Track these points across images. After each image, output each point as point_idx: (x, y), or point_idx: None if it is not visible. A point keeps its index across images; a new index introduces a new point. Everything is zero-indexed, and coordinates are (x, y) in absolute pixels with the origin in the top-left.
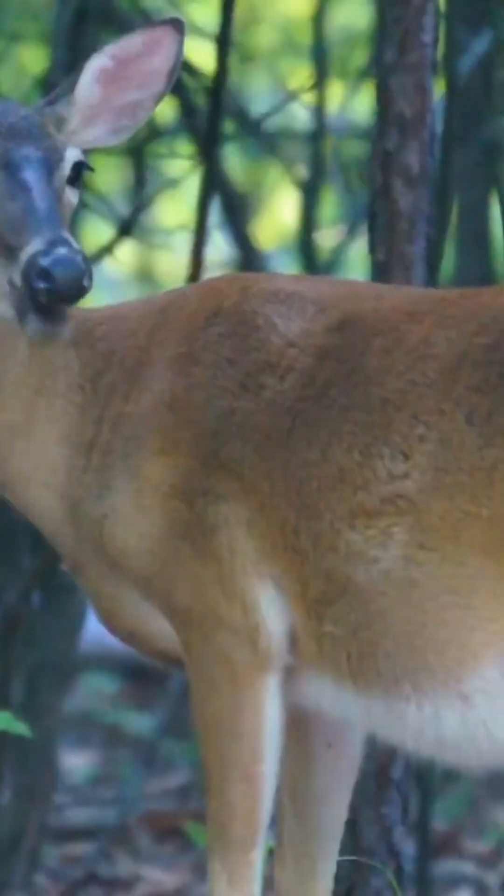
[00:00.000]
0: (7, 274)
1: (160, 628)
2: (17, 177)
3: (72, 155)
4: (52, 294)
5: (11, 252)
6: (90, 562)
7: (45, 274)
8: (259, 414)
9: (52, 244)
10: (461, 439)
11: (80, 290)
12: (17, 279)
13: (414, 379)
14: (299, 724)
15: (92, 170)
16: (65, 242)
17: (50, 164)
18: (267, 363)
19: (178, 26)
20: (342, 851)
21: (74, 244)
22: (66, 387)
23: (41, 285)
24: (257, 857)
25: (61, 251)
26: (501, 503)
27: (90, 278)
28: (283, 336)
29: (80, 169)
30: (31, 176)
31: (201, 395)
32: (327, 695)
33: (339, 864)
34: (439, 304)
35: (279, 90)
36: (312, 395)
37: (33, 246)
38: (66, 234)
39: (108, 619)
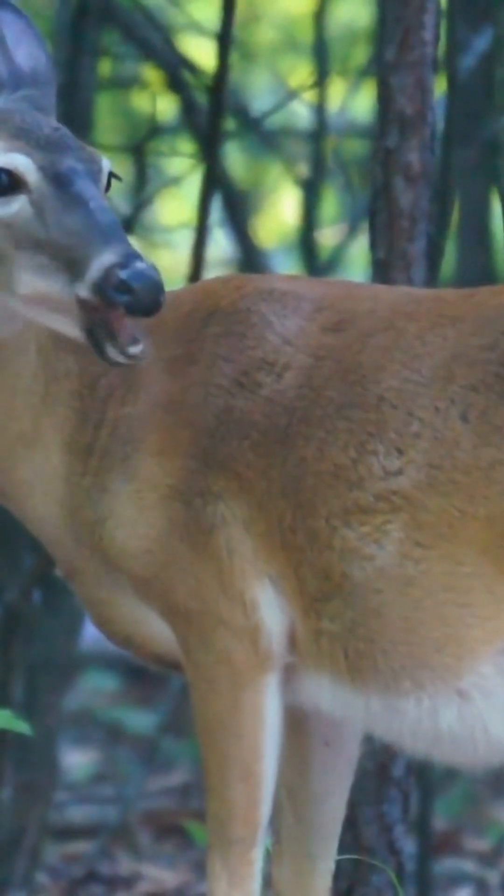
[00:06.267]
0: (69, 289)
1: (157, 632)
2: (70, 189)
3: (106, 165)
4: (132, 307)
5: (75, 265)
6: (88, 567)
7: (125, 286)
8: (256, 412)
9: (129, 257)
10: (456, 437)
11: (157, 304)
12: (88, 293)
13: (409, 377)
14: (297, 723)
15: (120, 179)
16: (140, 256)
17: (94, 174)
18: (264, 361)
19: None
20: (342, 850)
21: (147, 258)
22: (67, 394)
23: (122, 298)
24: (257, 855)
25: (140, 264)
26: (499, 503)
27: (164, 293)
28: (280, 334)
29: (109, 178)
30: (84, 187)
31: (198, 395)
32: (326, 692)
33: (340, 863)
34: (435, 304)
35: (280, 88)
36: (309, 393)
37: (106, 258)
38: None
39: (105, 625)
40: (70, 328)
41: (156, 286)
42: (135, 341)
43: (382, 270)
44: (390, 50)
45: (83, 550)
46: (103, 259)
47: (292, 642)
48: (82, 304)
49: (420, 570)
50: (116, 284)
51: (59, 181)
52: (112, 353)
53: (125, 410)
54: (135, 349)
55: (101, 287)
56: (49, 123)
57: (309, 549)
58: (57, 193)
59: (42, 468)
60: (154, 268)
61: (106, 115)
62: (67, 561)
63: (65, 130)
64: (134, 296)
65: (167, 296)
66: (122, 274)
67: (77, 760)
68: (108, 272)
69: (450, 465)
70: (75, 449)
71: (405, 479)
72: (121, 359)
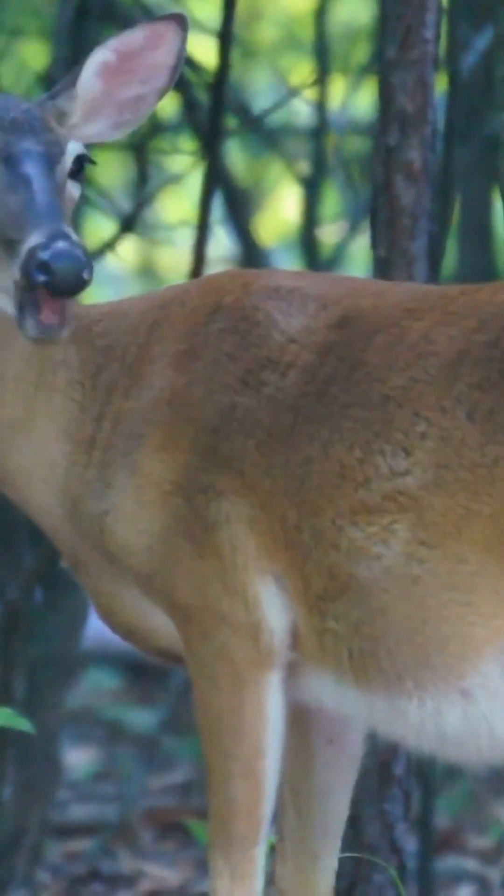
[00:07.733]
0: (9, 269)
1: (160, 625)
2: (17, 170)
3: (73, 148)
4: (52, 287)
5: (12, 246)
6: (90, 559)
7: (45, 267)
8: (260, 410)
9: (52, 237)
10: (462, 436)
11: (79, 283)
12: (17, 273)
13: (415, 376)
14: (301, 721)
15: (94, 163)
16: (65, 236)
17: (51, 157)
18: (268, 359)
19: (182, 22)
20: (344, 848)
21: (74, 237)
22: (65, 383)
23: (40, 278)
24: (259, 853)
25: (61, 244)
26: (503, 500)
27: (90, 271)
28: (284, 332)
29: (81, 163)
30: (31, 169)
31: (202, 391)
32: (329, 691)
33: (342, 861)
34: (440, 301)
35: (281, 86)
36: (313, 391)
37: (33, 239)
38: (67, 228)
39: (108, 617)
40: (9, 306)
41: (76, 266)
42: (59, 322)
43: (383, 268)
44: (391, 48)
45: (86, 542)
46: (30, 240)
47: (295, 640)
48: (16, 283)
49: (425, 570)
50: (37, 265)
51: (10, 162)
52: (29, 326)
53: (129, 404)
54: (50, 325)
55: (24, 267)
56: (19, 106)
57: (314, 549)
58: (5, 174)
59: (39, 456)
60: (78, 246)
61: None
62: (71, 551)
63: (35, 113)
64: (53, 276)
65: (173, 289)
66: (43, 255)
67: (78, 758)
68: (30, 253)
69: (456, 464)
70: (77, 440)
71: (412, 479)
72: (34, 333)
